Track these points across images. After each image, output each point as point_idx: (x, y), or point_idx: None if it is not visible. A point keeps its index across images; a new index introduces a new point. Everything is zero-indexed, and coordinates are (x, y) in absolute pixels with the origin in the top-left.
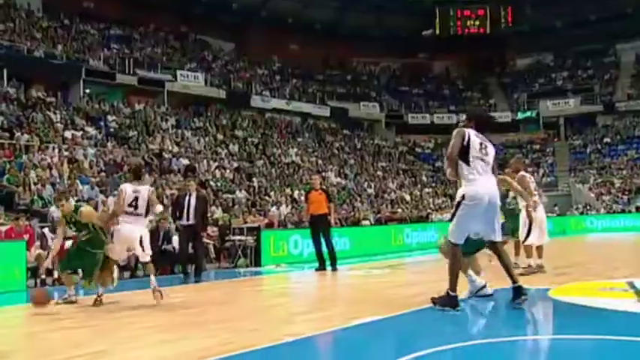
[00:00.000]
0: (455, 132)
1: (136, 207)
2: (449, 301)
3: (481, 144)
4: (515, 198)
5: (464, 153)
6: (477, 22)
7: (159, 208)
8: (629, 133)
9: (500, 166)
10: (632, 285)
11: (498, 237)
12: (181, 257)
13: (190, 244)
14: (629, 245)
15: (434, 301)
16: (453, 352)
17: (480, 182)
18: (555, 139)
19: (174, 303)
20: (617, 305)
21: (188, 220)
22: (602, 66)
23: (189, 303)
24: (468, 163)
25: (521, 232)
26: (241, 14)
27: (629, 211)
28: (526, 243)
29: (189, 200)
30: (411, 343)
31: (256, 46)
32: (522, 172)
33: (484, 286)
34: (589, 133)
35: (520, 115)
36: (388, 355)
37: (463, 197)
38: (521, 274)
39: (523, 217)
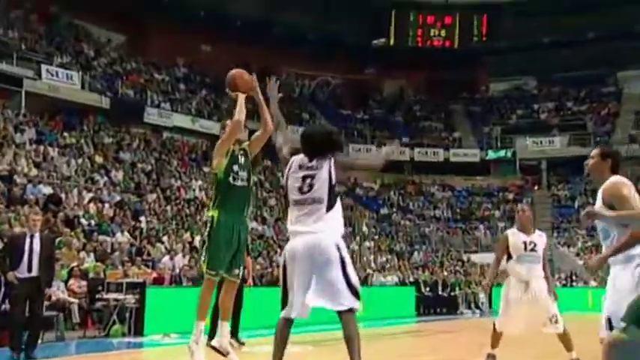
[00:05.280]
0: None
1: None
2: None
3: None
4: None
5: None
6: (443, 33)
7: None
8: None
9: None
10: None
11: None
12: (14, 323)
13: (28, 305)
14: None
15: None
16: None
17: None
18: (535, 188)
19: None
20: None
21: (30, 271)
22: (599, 98)
23: None
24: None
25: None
26: None
27: None
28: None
29: (31, 243)
30: None
31: (155, 42)
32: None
33: None
34: (578, 183)
35: (491, 155)
36: None
37: None
38: None
39: None
